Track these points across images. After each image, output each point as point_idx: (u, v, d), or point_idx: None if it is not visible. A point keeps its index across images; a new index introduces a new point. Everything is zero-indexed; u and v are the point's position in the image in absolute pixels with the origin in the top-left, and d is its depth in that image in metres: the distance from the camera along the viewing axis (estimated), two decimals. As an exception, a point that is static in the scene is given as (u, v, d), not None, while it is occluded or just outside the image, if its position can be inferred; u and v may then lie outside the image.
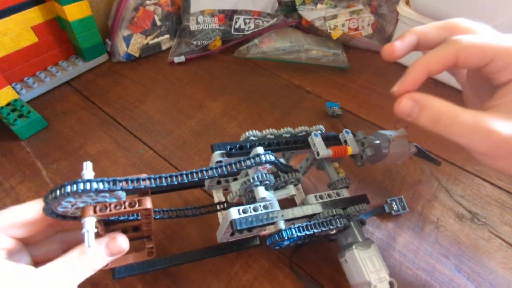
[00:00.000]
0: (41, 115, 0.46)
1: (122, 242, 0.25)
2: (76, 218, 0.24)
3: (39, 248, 0.26)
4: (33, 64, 0.51)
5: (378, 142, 0.33)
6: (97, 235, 0.25)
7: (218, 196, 0.35)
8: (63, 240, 0.27)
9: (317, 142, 0.32)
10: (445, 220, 0.39)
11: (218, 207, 0.33)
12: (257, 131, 0.32)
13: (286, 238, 0.27)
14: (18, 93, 0.49)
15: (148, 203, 0.24)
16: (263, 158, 0.26)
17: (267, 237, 0.29)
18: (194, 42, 0.57)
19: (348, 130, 0.34)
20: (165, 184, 0.23)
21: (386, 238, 0.37)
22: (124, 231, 0.27)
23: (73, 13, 0.49)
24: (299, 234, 0.28)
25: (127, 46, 0.55)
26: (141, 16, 0.55)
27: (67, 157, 0.44)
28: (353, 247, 0.30)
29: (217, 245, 0.33)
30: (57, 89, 0.52)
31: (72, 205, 0.22)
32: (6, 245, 0.23)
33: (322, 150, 0.32)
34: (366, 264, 0.30)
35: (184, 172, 0.24)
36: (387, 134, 0.33)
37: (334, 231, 0.31)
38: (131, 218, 0.28)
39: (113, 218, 0.26)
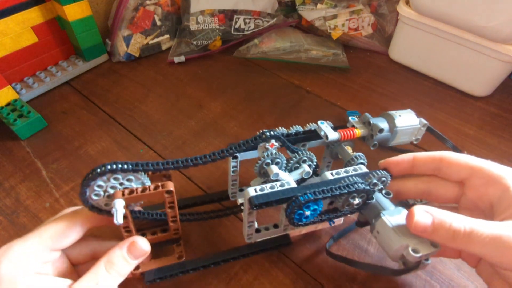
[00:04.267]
0: (41, 115, 0.46)
1: (142, 243, 0.26)
2: (110, 213, 0.26)
3: (72, 251, 0.28)
4: (33, 64, 0.51)
5: (383, 118, 0.34)
6: (129, 233, 0.27)
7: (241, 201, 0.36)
8: (89, 244, 0.29)
9: (324, 127, 0.33)
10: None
11: (242, 207, 0.34)
12: (266, 130, 0.33)
13: (304, 202, 0.26)
14: (18, 93, 0.49)
15: (170, 185, 0.26)
16: (267, 133, 0.28)
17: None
18: (194, 42, 0.57)
19: (353, 116, 0.35)
20: (182, 165, 0.26)
21: None
22: (153, 233, 0.29)
23: (73, 13, 0.49)
24: (315, 197, 0.27)
25: (127, 46, 0.55)
26: (141, 16, 0.55)
27: (67, 157, 0.44)
28: (381, 214, 0.28)
29: (247, 245, 0.33)
30: (57, 89, 0.52)
31: (104, 192, 0.25)
32: (51, 258, 0.26)
33: (330, 133, 0.32)
34: (398, 228, 0.27)
35: (198, 156, 0.26)
36: (393, 112, 0.34)
37: (357, 200, 0.29)
38: (159, 218, 0.29)
39: (143, 217, 0.28)
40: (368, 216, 0.30)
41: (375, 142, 0.34)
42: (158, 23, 0.57)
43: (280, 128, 0.33)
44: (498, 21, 0.46)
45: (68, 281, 0.25)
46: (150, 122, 0.48)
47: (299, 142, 0.33)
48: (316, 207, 0.28)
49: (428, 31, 0.54)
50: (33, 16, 0.48)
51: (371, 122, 0.34)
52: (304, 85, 0.55)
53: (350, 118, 0.35)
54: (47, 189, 0.40)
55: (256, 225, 0.32)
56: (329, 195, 0.27)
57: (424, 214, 0.25)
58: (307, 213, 0.28)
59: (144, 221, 0.29)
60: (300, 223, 0.29)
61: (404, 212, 0.28)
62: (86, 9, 0.50)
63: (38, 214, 0.38)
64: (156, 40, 0.58)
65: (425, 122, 0.35)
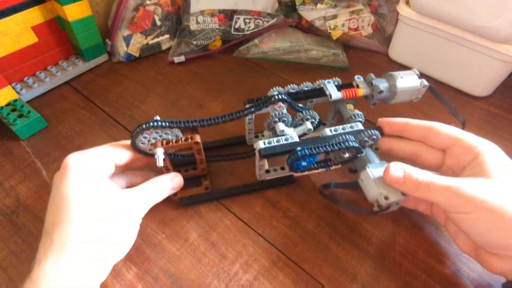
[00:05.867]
0: (41, 115, 0.46)
1: (180, 178, 0.37)
2: (152, 156, 0.34)
3: (128, 178, 0.37)
4: (33, 64, 0.51)
5: (385, 80, 0.38)
6: (168, 170, 0.36)
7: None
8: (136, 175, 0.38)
9: (329, 87, 0.38)
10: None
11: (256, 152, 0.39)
12: (280, 87, 0.39)
13: (300, 156, 0.32)
14: (18, 93, 0.49)
15: (197, 138, 0.34)
16: (276, 97, 0.34)
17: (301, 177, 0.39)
18: (194, 42, 0.57)
19: (359, 76, 0.39)
20: (206, 123, 0.34)
21: (386, 238, 0.37)
22: (186, 170, 0.40)
23: (73, 13, 0.49)
24: (311, 152, 0.32)
25: (127, 46, 0.55)
26: (141, 16, 0.55)
27: (67, 157, 0.44)
28: (367, 166, 0.33)
29: (259, 182, 0.41)
30: (57, 89, 0.53)
31: (148, 141, 0.34)
32: (112, 172, 0.33)
33: (334, 93, 0.37)
34: (378, 180, 0.32)
35: (220, 116, 0.34)
36: (395, 73, 0.38)
37: (347, 154, 0.34)
38: (189, 160, 0.38)
39: (178, 159, 0.38)
40: (357, 166, 0.36)
41: (375, 101, 0.38)
42: (158, 23, 0.57)
43: (291, 85, 0.40)
44: (498, 21, 0.46)
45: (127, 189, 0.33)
46: (150, 122, 0.48)
47: (307, 99, 0.39)
48: (311, 159, 0.34)
49: (428, 31, 0.54)
50: (33, 16, 0.48)
51: (373, 83, 0.37)
52: (304, 85, 0.56)
53: (356, 77, 0.39)
54: (48, 189, 0.40)
55: (266, 167, 0.41)
56: (322, 151, 0.33)
57: (398, 169, 0.31)
58: (304, 163, 0.34)
59: (179, 161, 0.39)
60: (298, 170, 0.35)
61: (386, 166, 0.33)
62: (86, 9, 0.51)
63: (38, 214, 0.38)
64: (156, 40, 0.58)
65: (426, 83, 0.38)
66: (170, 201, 0.39)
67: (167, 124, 0.32)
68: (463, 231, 0.30)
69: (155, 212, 0.38)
